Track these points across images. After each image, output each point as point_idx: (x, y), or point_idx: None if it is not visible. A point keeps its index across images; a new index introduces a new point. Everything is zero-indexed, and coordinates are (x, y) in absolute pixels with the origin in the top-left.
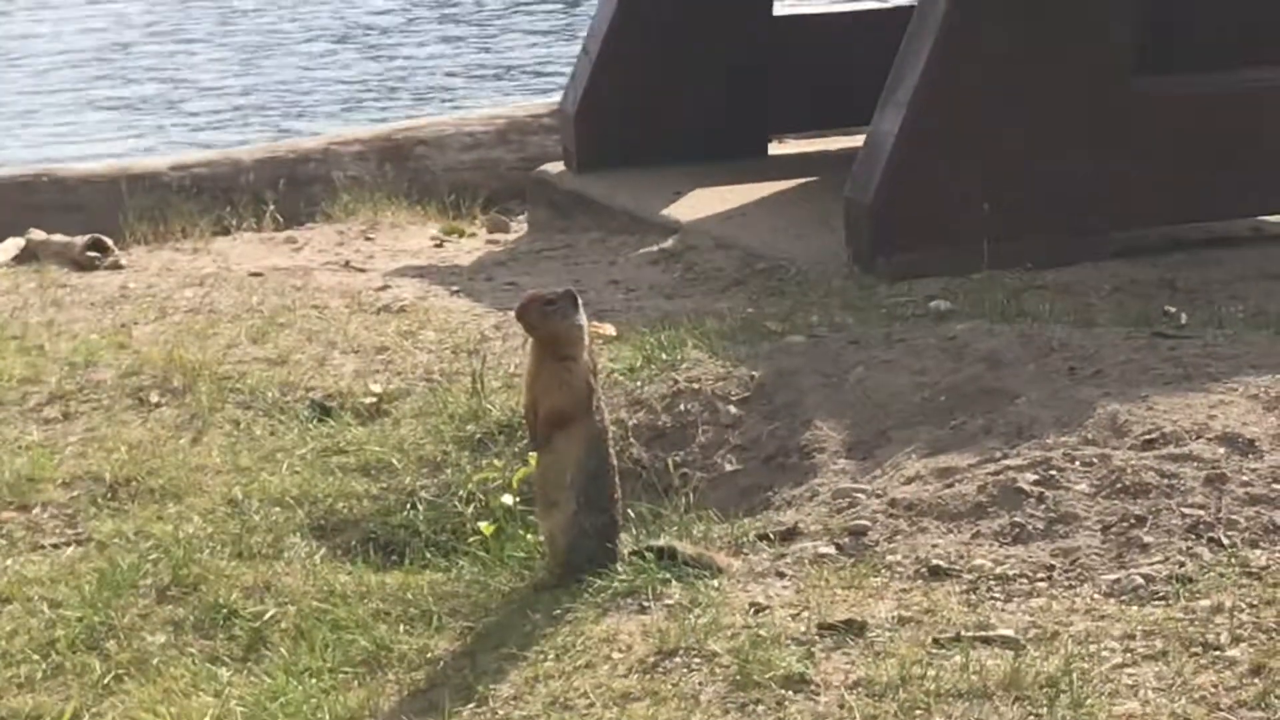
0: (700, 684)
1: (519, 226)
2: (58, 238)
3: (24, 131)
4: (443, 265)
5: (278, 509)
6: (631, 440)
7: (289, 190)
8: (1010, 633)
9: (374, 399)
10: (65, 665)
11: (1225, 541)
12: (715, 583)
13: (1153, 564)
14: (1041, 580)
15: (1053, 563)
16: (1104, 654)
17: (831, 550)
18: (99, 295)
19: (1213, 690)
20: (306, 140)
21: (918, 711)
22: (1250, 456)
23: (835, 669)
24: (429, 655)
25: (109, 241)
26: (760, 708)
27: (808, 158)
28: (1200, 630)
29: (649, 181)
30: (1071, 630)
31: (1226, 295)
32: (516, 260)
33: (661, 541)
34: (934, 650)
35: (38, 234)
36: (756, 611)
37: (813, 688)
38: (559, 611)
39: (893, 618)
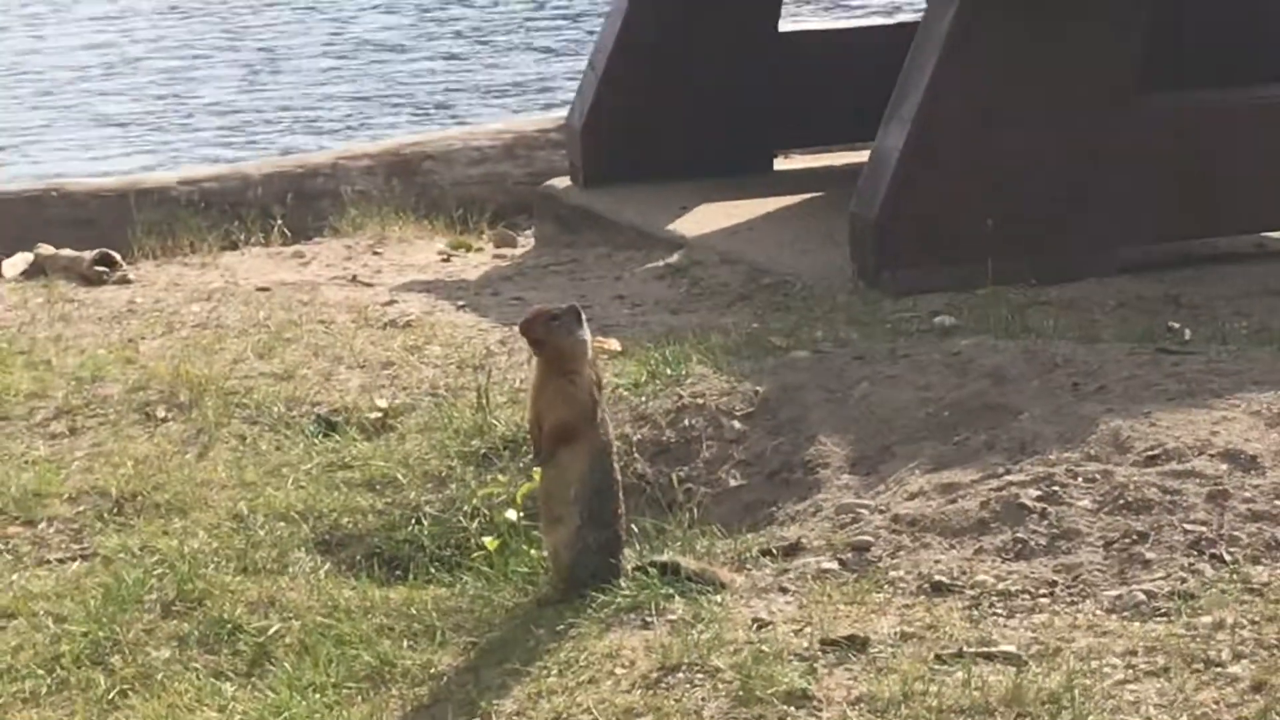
0: (703, 700)
1: (526, 241)
2: (66, 252)
3: (32, 147)
4: (449, 280)
5: (283, 524)
6: (636, 455)
7: (297, 205)
8: (1012, 649)
9: (379, 414)
10: (70, 680)
11: (1227, 558)
12: (718, 598)
13: (1155, 580)
14: (1044, 596)
15: (1055, 579)
16: (1106, 670)
17: (834, 566)
18: (106, 310)
19: (1214, 707)
20: (315, 155)
21: None
22: (1252, 473)
23: (837, 685)
24: (432, 670)
25: (117, 256)
26: None
27: (813, 173)
28: (1202, 647)
29: (655, 196)
30: (1073, 646)
31: (1230, 311)
32: (523, 275)
33: (665, 557)
34: (936, 666)
35: (46, 249)
36: (759, 627)
37: (815, 704)
38: (562, 627)
39: (895, 633)
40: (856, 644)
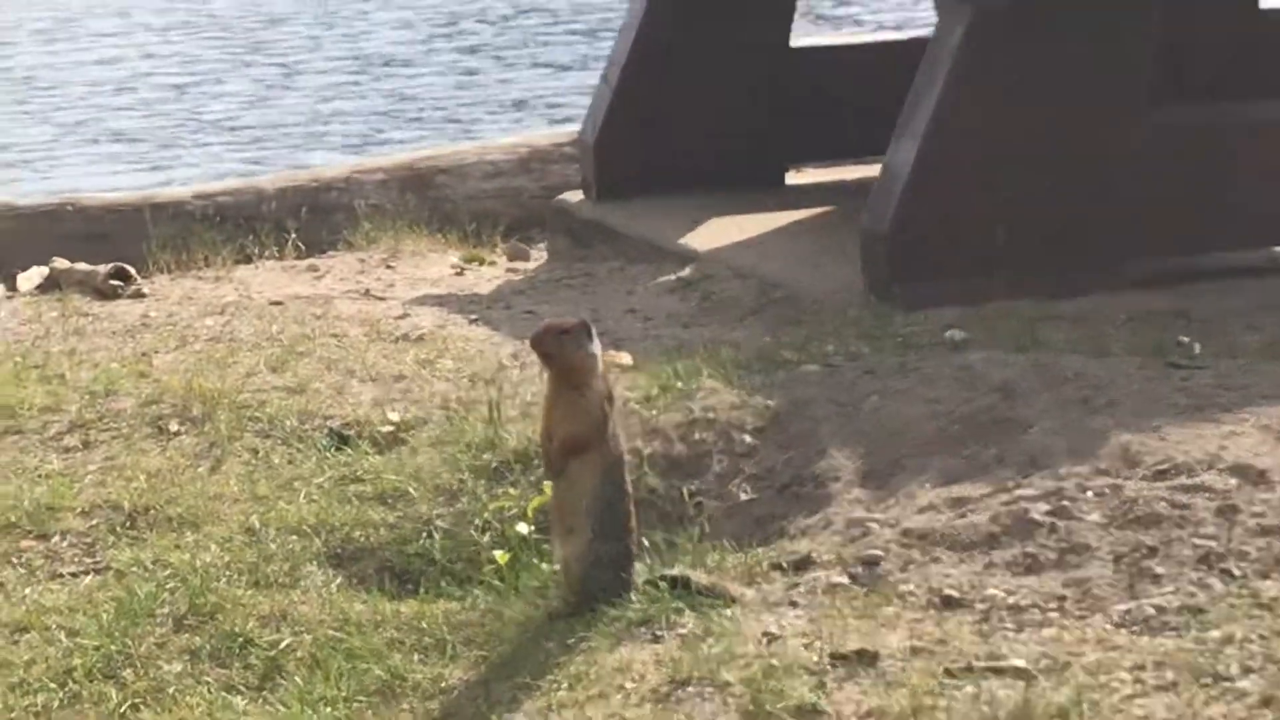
0: (713, 713)
1: (539, 255)
2: (81, 266)
3: (46, 162)
4: (462, 294)
5: (295, 538)
6: (647, 469)
7: (311, 218)
8: (1022, 663)
9: (392, 428)
10: (82, 694)
11: (1236, 572)
12: (728, 612)
13: (1164, 595)
14: (1053, 610)
15: (1064, 593)
16: (1115, 685)
17: (844, 580)
18: (120, 324)
19: None
20: (329, 169)
21: None
22: (1261, 487)
23: (847, 699)
24: (443, 684)
25: (131, 270)
26: None
27: (825, 187)
28: (1211, 661)
29: (667, 210)
30: (1083, 661)
31: (1242, 325)
32: (535, 289)
33: (675, 571)
34: (945, 681)
35: (61, 263)
36: (769, 641)
37: (824, 718)
38: (573, 640)
39: (905, 648)
40: (866, 658)
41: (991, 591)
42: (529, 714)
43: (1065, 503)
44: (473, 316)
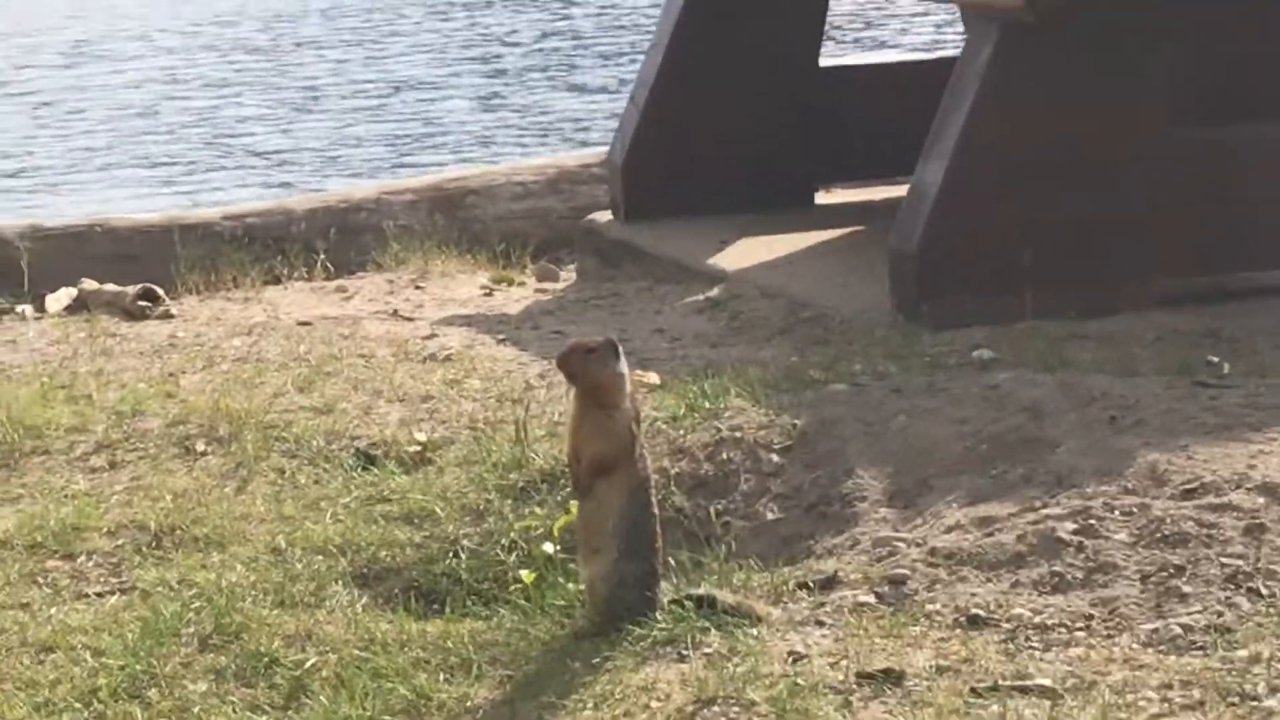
0: None
1: (569, 275)
2: (109, 287)
3: (74, 184)
4: (490, 314)
5: (320, 557)
6: (673, 489)
7: (340, 239)
8: (1048, 682)
9: (418, 447)
10: (107, 714)
11: (1264, 591)
12: (754, 631)
13: (1191, 614)
14: (1080, 630)
15: (1091, 612)
16: (1141, 704)
17: (871, 599)
18: (148, 344)
19: None
20: (358, 190)
21: None
22: None
23: (873, 718)
24: (469, 704)
25: (160, 291)
26: None
27: (854, 207)
28: (1238, 680)
29: (695, 230)
30: (1109, 680)
31: (1271, 345)
32: (564, 309)
33: (701, 590)
34: (972, 700)
35: (89, 284)
36: (795, 660)
37: None
38: (598, 660)
39: (931, 667)
40: (892, 677)
41: (1018, 611)
42: None
43: (1092, 522)
44: (501, 337)
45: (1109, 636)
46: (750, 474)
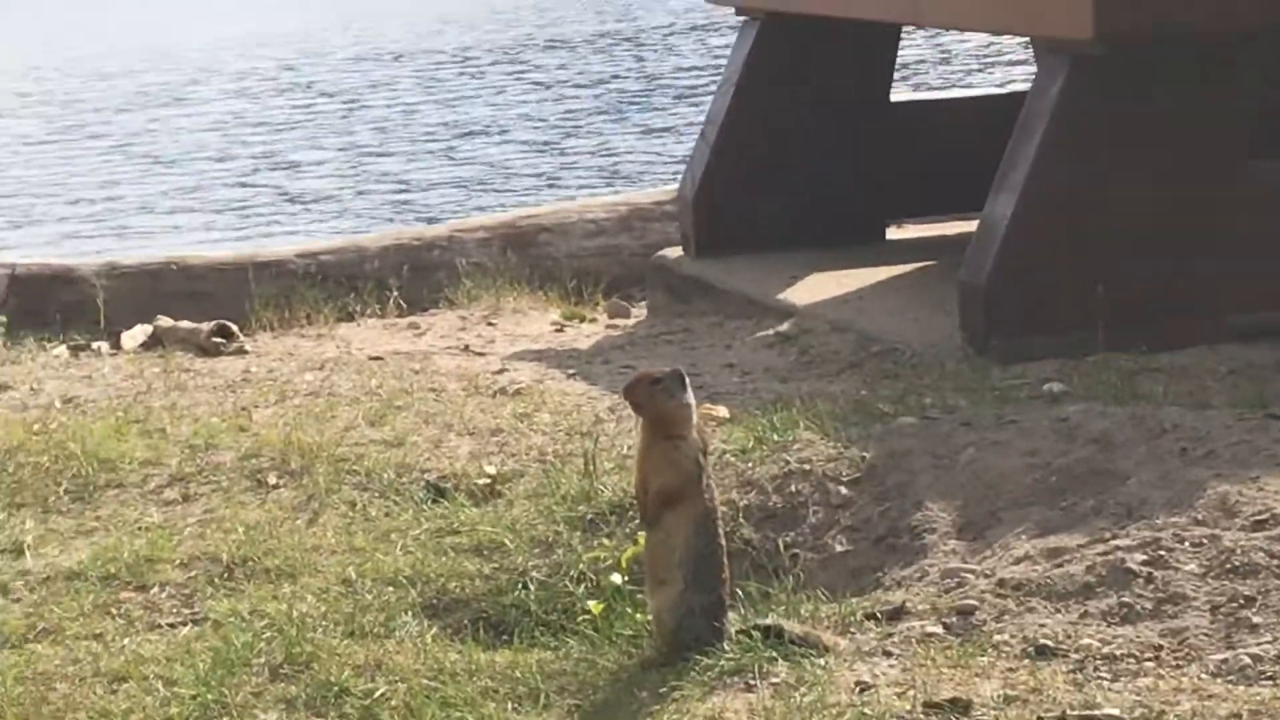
0: None
1: (640, 312)
2: (184, 324)
3: (150, 222)
4: (561, 349)
5: (391, 588)
6: (742, 521)
7: (413, 277)
8: (1116, 712)
9: (488, 480)
10: None
11: None
12: (821, 661)
13: (1261, 644)
14: (1149, 660)
15: (1160, 642)
16: None
17: (939, 629)
18: (221, 379)
19: None
20: (431, 228)
21: None
22: None
23: None
24: None
25: (234, 327)
26: None
27: (925, 242)
28: None
29: (766, 266)
30: (1178, 710)
31: None
32: (634, 344)
33: (768, 620)
34: None
35: (165, 321)
36: (862, 690)
37: None
38: (665, 690)
39: (998, 697)
40: (959, 707)
41: (1086, 641)
42: None
43: (1162, 553)
44: (571, 371)
45: (1178, 667)
46: (819, 506)
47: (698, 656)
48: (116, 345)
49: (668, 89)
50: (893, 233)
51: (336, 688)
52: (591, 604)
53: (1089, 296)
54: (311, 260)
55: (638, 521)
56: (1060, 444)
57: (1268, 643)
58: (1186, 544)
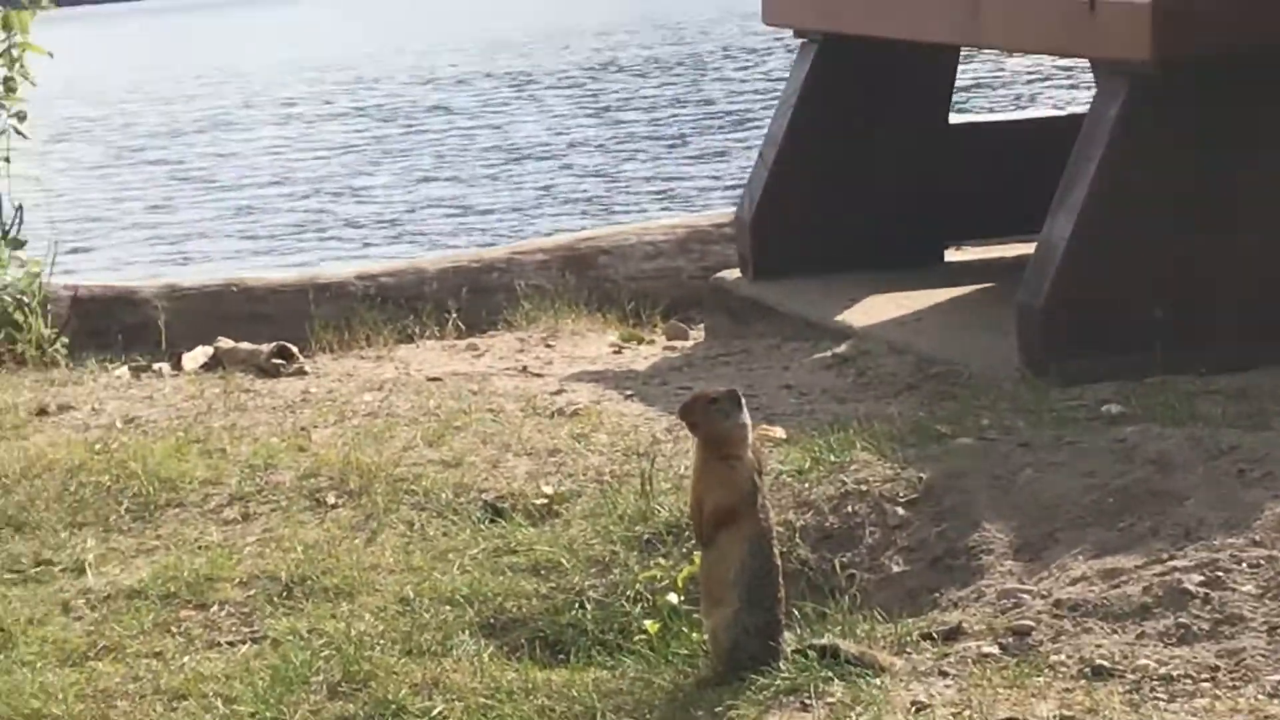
0: None
1: (698, 334)
2: (244, 345)
3: (211, 245)
4: (619, 370)
5: (448, 607)
6: (799, 541)
7: (472, 299)
8: None
9: (545, 500)
10: None
11: None
12: (878, 681)
13: None
14: (1205, 681)
15: (1217, 663)
16: None
17: (995, 650)
18: (281, 400)
19: None
20: (490, 250)
21: None
22: None
23: None
24: None
25: (294, 349)
26: None
27: (984, 264)
28: None
29: (824, 287)
30: None
31: None
32: (692, 365)
33: (824, 640)
34: None
35: (225, 342)
36: (918, 710)
37: None
38: (721, 708)
39: (1055, 717)
40: None
41: (1143, 662)
42: None
43: (1219, 574)
44: (628, 392)
45: (1234, 688)
46: (875, 527)
47: (753, 676)
48: (177, 366)
49: (725, 113)
50: (951, 255)
51: (394, 706)
52: (648, 623)
53: (1147, 318)
54: (371, 282)
55: (694, 541)
56: (1118, 465)
57: None
58: (1244, 565)
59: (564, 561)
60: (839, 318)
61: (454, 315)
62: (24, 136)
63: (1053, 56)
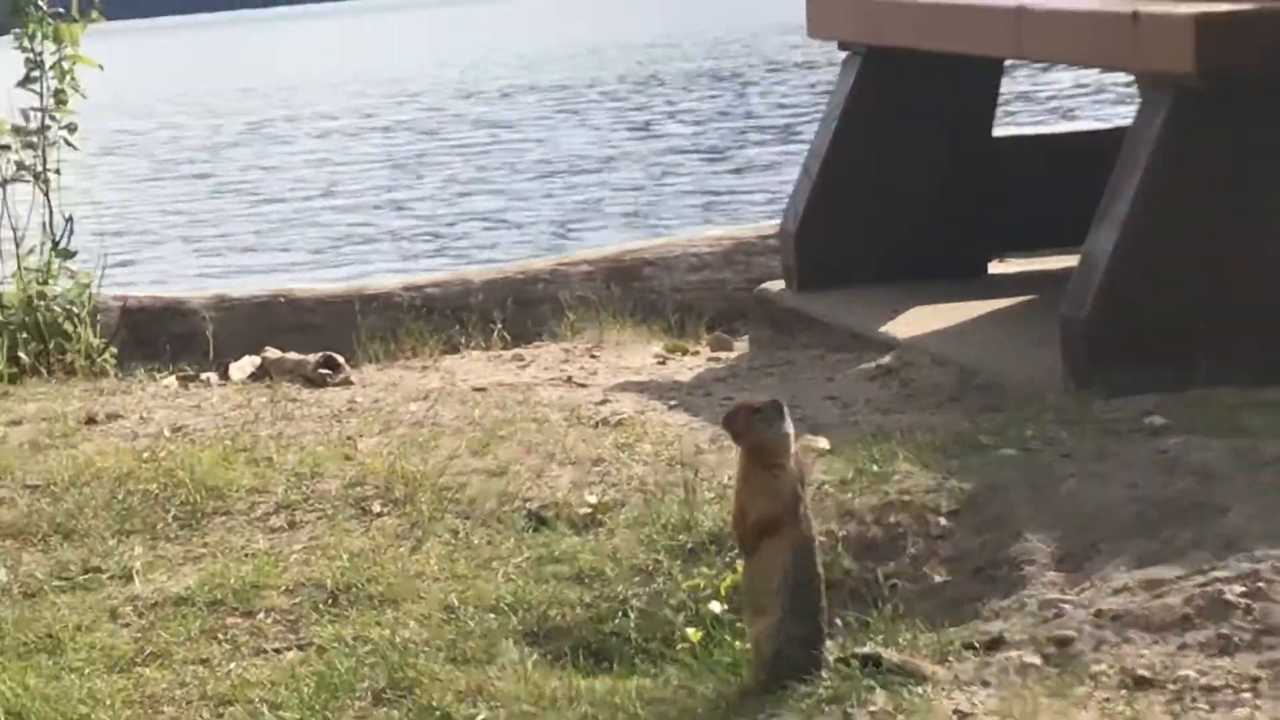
0: None
1: (743, 346)
2: (291, 356)
3: (257, 257)
4: (663, 381)
5: (492, 615)
6: (841, 551)
7: (517, 310)
8: None
9: (589, 509)
10: None
11: None
12: (920, 690)
13: None
14: (1246, 691)
15: (1259, 674)
16: None
17: (1037, 660)
18: (327, 409)
19: None
20: (535, 261)
21: None
22: None
23: None
24: None
25: (340, 359)
26: None
27: (1028, 276)
28: None
29: (868, 299)
30: None
31: None
32: (736, 376)
33: (866, 649)
34: None
35: (272, 352)
36: (960, 719)
37: None
38: (763, 716)
39: None
40: None
41: (1184, 672)
42: None
43: (1261, 585)
44: (672, 403)
45: (1276, 698)
46: (918, 537)
47: (795, 684)
48: (225, 376)
49: (769, 126)
50: (995, 267)
51: (438, 713)
52: (691, 632)
53: (1191, 330)
54: (417, 293)
55: (737, 550)
56: (1160, 476)
57: None
58: None
59: (607, 570)
60: (883, 329)
61: (499, 326)
62: (74, 148)
63: (1096, 70)
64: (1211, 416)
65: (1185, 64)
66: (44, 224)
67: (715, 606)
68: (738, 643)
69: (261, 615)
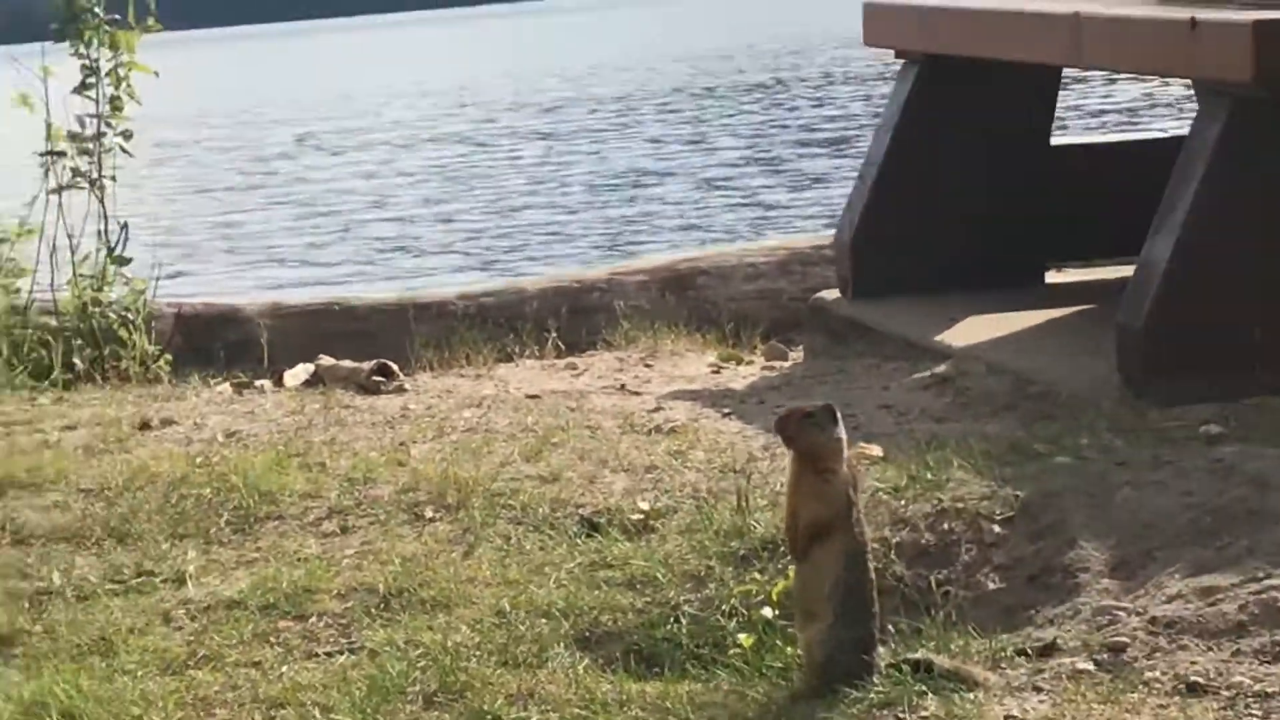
0: None
1: (798, 355)
2: (345, 363)
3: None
4: (717, 389)
5: (544, 620)
6: (894, 558)
7: (571, 318)
8: None
9: (642, 516)
10: None
11: None
12: (971, 696)
13: None
14: None
15: None
16: None
17: (1090, 666)
18: (380, 416)
19: None
20: (590, 270)
21: None
22: None
23: None
24: None
25: (394, 367)
26: None
27: (1084, 286)
28: None
29: (923, 308)
30: None
31: None
32: (790, 385)
33: (918, 655)
34: None
35: (326, 360)
36: None
37: None
38: None
39: None
40: None
41: (1238, 679)
42: None
43: None
44: (726, 410)
45: None
46: (971, 544)
47: (847, 690)
48: (279, 383)
49: (823, 138)
50: (1051, 276)
51: (489, 716)
52: (742, 637)
53: (1248, 339)
54: (472, 302)
55: (788, 556)
56: (1216, 484)
57: None
58: None
59: (659, 576)
60: (938, 338)
61: (553, 335)
62: (129, 154)
63: (1155, 78)
64: (1267, 425)
65: (1243, 72)
66: (99, 230)
67: (767, 612)
68: (789, 648)
69: (313, 619)
